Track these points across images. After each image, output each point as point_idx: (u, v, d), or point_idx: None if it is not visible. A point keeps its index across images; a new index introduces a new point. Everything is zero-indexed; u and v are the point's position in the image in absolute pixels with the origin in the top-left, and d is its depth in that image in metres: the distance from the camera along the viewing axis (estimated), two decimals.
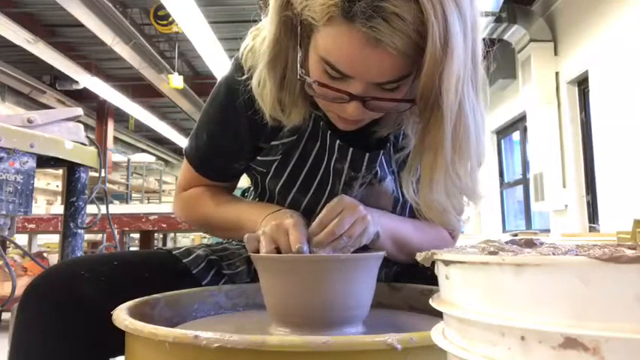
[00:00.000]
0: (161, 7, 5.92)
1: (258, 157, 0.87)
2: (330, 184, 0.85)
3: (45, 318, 0.71)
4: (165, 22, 6.69)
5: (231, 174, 0.93)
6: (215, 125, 0.88)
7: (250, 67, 0.81)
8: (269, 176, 0.86)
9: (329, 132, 0.83)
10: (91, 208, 1.55)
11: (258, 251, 0.69)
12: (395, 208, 0.87)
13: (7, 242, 1.37)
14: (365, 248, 0.75)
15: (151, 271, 0.82)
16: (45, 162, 1.29)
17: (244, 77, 0.81)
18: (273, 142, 0.85)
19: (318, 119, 0.83)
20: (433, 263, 0.38)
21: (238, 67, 0.84)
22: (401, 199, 0.87)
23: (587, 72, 4.62)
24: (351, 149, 0.82)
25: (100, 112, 10.19)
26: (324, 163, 0.84)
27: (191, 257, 0.88)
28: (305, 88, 0.74)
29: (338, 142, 0.83)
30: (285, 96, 0.76)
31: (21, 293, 0.74)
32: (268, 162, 0.86)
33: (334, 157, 0.83)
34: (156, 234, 5.42)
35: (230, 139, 0.87)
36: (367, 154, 0.83)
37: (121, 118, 10.98)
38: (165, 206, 3.64)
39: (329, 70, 0.67)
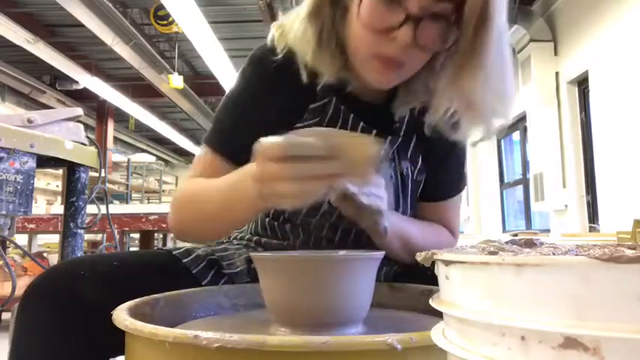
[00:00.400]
0: (161, 7, 5.93)
1: None
2: None
3: (45, 318, 0.71)
4: (165, 22, 6.71)
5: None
6: (241, 107, 0.88)
7: (284, 47, 0.84)
8: None
9: (352, 115, 0.86)
10: (91, 208, 1.55)
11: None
12: (397, 195, 0.89)
13: (7, 242, 1.37)
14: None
15: (151, 271, 0.82)
16: (45, 162, 1.29)
17: (279, 56, 0.83)
18: (297, 125, 0.87)
19: (339, 104, 0.86)
20: (433, 263, 0.38)
21: (268, 51, 0.86)
22: (400, 186, 0.89)
23: (587, 72, 4.62)
24: (374, 131, 0.86)
25: (100, 112, 10.19)
26: None
27: (191, 257, 0.88)
28: (353, 23, 0.76)
29: (362, 124, 0.86)
30: (322, 52, 0.80)
31: (21, 293, 0.74)
32: None
33: None
34: (156, 234, 5.42)
35: (257, 117, 0.86)
36: (389, 137, 0.86)
37: (121, 118, 10.99)
38: (166, 206, 3.63)
39: None
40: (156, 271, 0.83)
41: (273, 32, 0.86)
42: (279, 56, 0.84)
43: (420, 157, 0.93)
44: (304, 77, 0.83)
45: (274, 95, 0.86)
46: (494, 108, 0.78)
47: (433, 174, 0.94)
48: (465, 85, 0.75)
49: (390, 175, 0.88)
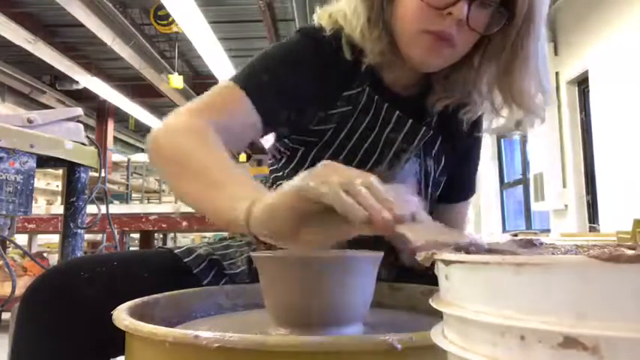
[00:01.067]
0: (161, 7, 5.92)
1: (312, 127, 0.87)
2: (377, 154, 0.88)
3: (45, 318, 0.71)
4: (165, 22, 6.70)
5: (276, 121, 0.83)
6: (282, 69, 0.84)
7: (332, 28, 0.86)
8: (318, 146, 0.87)
9: (386, 104, 0.87)
10: (91, 208, 1.55)
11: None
12: (419, 190, 0.91)
13: (7, 242, 1.37)
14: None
15: (152, 271, 0.82)
16: (45, 162, 1.29)
17: (327, 34, 0.85)
18: (330, 111, 0.87)
19: (373, 94, 0.87)
20: (433, 263, 0.38)
21: (316, 29, 0.87)
22: (422, 181, 0.91)
23: (587, 72, 4.62)
24: (410, 120, 0.87)
25: (100, 112, 10.20)
26: (374, 134, 0.88)
27: (192, 257, 0.87)
28: (407, 5, 0.79)
29: (397, 112, 0.87)
30: (370, 29, 0.82)
31: (21, 293, 0.74)
32: (322, 131, 0.87)
33: (389, 128, 0.87)
34: (156, 234, 5.42)
35: (296, 85, 0.84)
36: (423, 128, 0.88)
37: (121, 118, 10.99)
38: (166, 206, 3.63)
39: None
40: (156, 271, 0.83)
41: (319, 16, 0.88)
42: (328, 34, 0.85)
43: (444, 158, 0.95)
44: (348, 55, 0.85)
45: (315, 72, 0.85)
46: (536, 102, 0.83)
47: (450, 176, 0.96)
48: (515, 78, 0.80)
49: (415, 171, 0.89)
